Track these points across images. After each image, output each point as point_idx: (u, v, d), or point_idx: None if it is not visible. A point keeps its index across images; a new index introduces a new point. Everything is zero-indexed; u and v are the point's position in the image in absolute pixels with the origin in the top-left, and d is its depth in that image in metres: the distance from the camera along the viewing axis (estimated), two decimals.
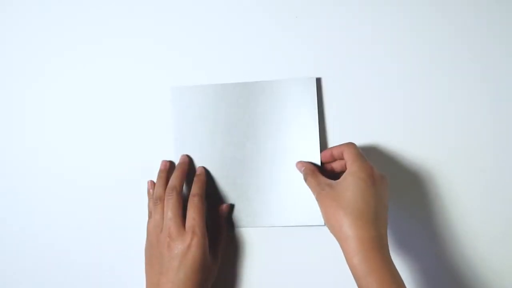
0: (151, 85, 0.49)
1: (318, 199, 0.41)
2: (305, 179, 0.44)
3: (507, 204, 0.47)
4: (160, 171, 0.47)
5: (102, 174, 0.49)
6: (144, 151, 0.49)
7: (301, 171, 0.45)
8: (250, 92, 0.47)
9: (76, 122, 0.50)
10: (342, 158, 0.44)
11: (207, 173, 0.47)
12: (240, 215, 0.47)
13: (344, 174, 0.41)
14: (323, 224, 0.42)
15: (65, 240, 0.50)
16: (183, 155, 0.47)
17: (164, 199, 0.43)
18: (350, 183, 0.39)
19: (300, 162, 0.46)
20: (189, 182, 0.46)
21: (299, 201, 0.46)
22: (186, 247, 0.40)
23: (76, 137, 0.50)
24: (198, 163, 0.47)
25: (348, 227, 0.37)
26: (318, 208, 0.41)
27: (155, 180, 0.47)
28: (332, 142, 0.48)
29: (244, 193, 0.47)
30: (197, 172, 0.47)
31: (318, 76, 0.48)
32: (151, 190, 0.47)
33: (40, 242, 0.50)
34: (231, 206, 0.47)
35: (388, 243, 0.39)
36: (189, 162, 0.47)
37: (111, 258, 0.49)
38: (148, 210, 0.46)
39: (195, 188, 0.45)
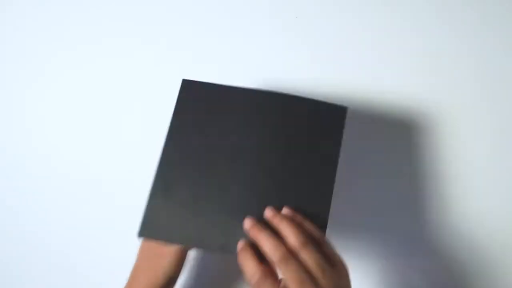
0: (151, 86, 0.50)
1: None
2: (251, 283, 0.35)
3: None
4: None
5: (102, 174, 0.49)
6: (143, 151, 0.49)
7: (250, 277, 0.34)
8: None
9: (77, 122, 0.50)
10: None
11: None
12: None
13: None
14: None
15: (68, 240, 0.49)
16: None
17: None
18: None
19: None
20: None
21: None
22: None
23: (76, 137, 0.50)
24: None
25: None
26: None
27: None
28: None
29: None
30: None
31: (316, 76, 0.49)
32: None
33: (42, 242, 0.49)
34: None
35: None
36: None
37: (112, 258, 0.49)
38: None
39: None
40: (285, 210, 0.37)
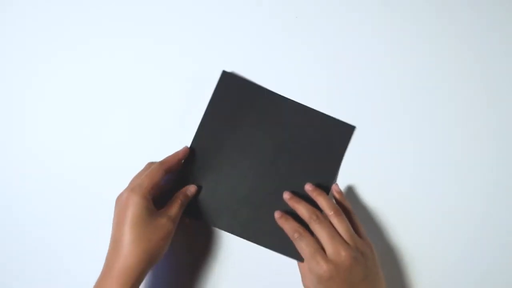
0: (151, 86, 0.50)
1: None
2: (296, 239, 0.42)
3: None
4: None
5: (102, 174, 0.49)
6: (143, 151, 0.49)
7: (291, 233, 0.42)
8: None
9: (77, 122, 0.50)
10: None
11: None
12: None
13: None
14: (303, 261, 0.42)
15: (67, 240, 0.49)
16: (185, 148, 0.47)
17: None
18: (311, 281, 0.40)
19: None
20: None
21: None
22: (123, 202, 0.41)
23: (77, 137, 0.50)
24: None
25: None
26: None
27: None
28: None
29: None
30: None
31: (317, 76, 0.49)
32: None
33: (41, 242, 0.49)
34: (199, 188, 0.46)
35: None
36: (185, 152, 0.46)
37: None
38: None
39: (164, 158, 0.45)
40: (335, 187, 0.45)
